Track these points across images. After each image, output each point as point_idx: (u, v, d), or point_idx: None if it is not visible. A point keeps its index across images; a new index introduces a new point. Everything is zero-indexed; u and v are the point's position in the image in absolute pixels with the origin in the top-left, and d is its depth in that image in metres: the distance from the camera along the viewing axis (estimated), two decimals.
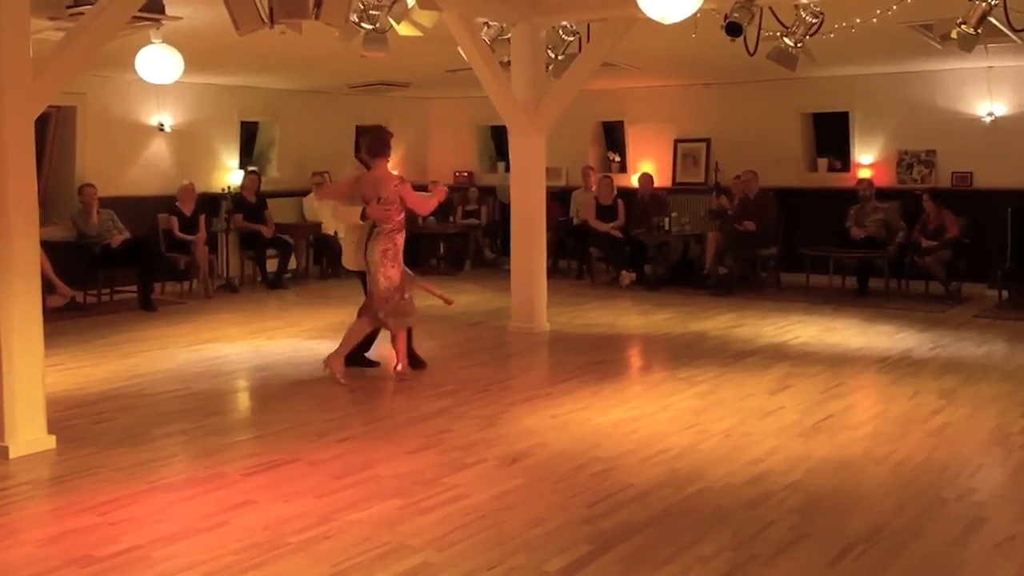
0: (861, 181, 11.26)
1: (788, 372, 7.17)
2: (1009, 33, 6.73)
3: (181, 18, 7.31)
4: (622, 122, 13.55)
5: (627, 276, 11.89)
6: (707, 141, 12.87)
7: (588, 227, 12.37)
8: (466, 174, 14.84)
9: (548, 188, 9.59)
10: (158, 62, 7.75)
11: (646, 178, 12.51)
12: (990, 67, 10.65)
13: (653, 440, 5.48)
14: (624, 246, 12.09)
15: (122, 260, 10.34)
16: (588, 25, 8.51)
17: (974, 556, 3.90)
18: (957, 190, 11.10)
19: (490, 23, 8.43)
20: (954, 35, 6.81)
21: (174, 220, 11.16)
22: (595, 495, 4.56)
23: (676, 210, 12.12)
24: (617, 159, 13.85)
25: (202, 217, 11.31)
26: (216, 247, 11.68)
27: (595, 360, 7.67)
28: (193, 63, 8.24)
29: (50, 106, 9.64)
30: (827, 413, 6.05)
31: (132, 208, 10.93)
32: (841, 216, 11.23)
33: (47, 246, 10.15)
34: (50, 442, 5.32)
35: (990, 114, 10.97)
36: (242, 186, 12.06)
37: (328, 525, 4.17)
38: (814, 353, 7.87)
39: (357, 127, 14.17)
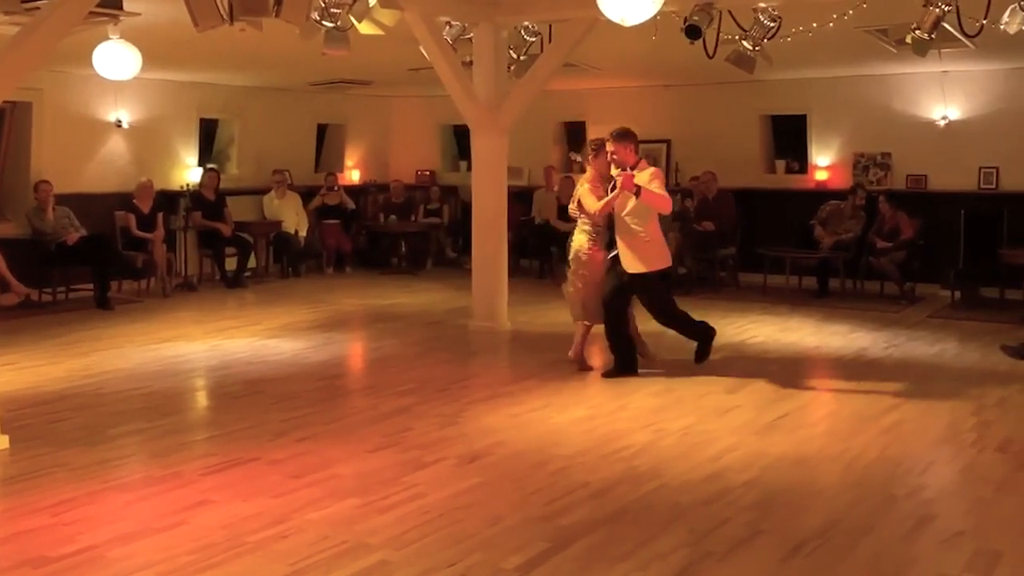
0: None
1: (745, 371, 7.25)
2: (962, 39, 6.85)
3: (139, 14, 7.23)
4: (584, 122, 13.61)
5: None
6: (667, 142, 12.97)
7: (550, 227, 12.42)
8: (428, 173, 14.83)
9: (510, 188, 9.60)
10: (116, 58, 7.66)
11: None
12: (944, 71, 10.84)
13: (612, 438, 5.52)
14: None
15: (78, 258, 10.22)
16: (550, 26, 8.54)
17: (923, 552, 3.97)
18: (912, 192, 11.29)
19: (452, 22, 8.43)
20: (909, 40, 6.93)
21: (131, 218, 11.05)
22: (554, 493, 4.59)
23: None
24: (579, 159, 13.87)
25: (160, 215, 11.21)
26: (174, 245, 11.57)
27: (555, 359, 7.69)
28: (152, 59, 8.16)
29: (5, 102, 9.53)
30: (783, 411, 6.13)
31: (89, 205, 10.80)
32: (799, 217, 11.36)
33: (1, 243, 10.05)
34: (3, 442, 5.24)
35: (944, 118, 11.16)
36: (201, 184, 11.96)
37: (286, 524, 4.15)
38: (771, 352, 7.97)
39: (319, 125, 14.14)
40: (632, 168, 6.86)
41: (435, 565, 3.75)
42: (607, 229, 7.07)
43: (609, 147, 6.96)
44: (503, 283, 9.01)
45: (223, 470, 4.90)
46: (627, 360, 7.13)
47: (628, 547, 3.95)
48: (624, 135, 6.97)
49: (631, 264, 6.91)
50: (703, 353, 7.28)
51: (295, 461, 5.04)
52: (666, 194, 6.89)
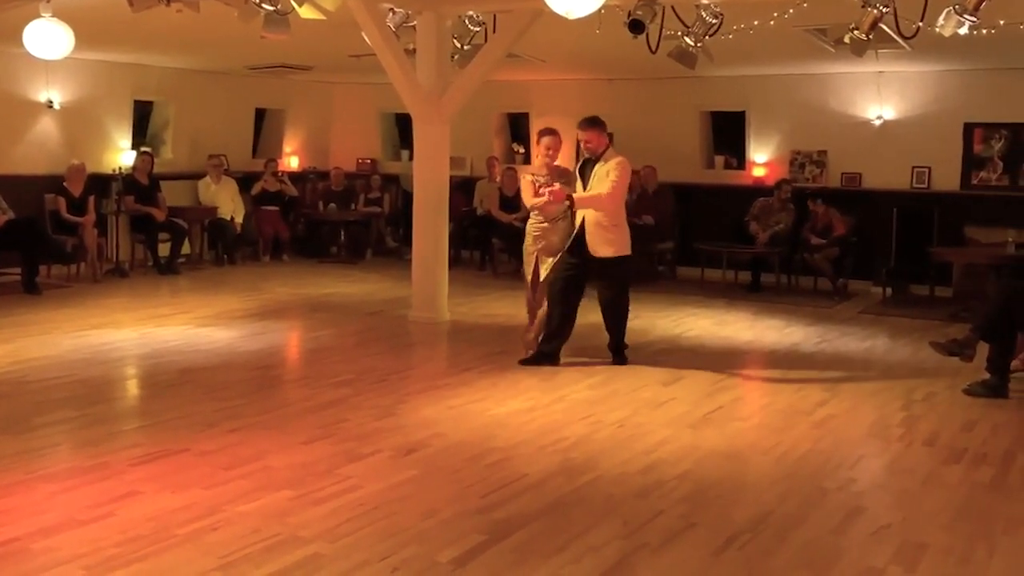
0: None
1: (681, 364, 7.32)
2: (898, 40, 6.98)
3: None
4: (527, 114, 13.61)
5: None
6: (609, 136, 12.99)
7: (491, 218, 12.40)
8: (369, 161, 14.70)
9: (452, 177, 9.57)
10: (47, 36, 7.43)
11: None
12: (880, 72, 11.05)
13: (549, 430, 5.53)
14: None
15: (6, 241, 9.91)
16: (494, 16, 8.51)
17: (852, 543, 4.04)
18: (846, 190, 11.50)
19: (395, 9, 8.35)
20: (847, 40, 7.03)
21: (62, 201, 10.78)
22: (490, 485, 4.58)
23: None
24: (521, 151, 13.91)
25: (91, 198, 10.96)
26: (106, 230, 11.32)
27: (494, 351, 7.69)
28: (85, 39, 7.94)
29: None
30: (717, 404, 6.21)
31: (17, 187, 10.50)
32: (736, 213, 11.50)
33: None
34: None
35: (879, 117, 11.38)
36: (134, 167, 11.71)
37: (216, 516, 4.08)
38: (706, 346, 8.06)
39: (257, 109, 13.93)
40: (601, 155, 7.05)
41: (369, 558, 3.71)
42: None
43: (581, 135, 7.18)
44: (443, 274, 8.97)
45: (152, 461, 4.80)
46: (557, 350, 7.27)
47: (563, 540, 3.95)
48: (593, 122, 7.17)
49: (599, 248, 7.03)
50: (620, 357, 7.31)
51: (226, 452, 4.96)
52: (615, 190, 6.95)
